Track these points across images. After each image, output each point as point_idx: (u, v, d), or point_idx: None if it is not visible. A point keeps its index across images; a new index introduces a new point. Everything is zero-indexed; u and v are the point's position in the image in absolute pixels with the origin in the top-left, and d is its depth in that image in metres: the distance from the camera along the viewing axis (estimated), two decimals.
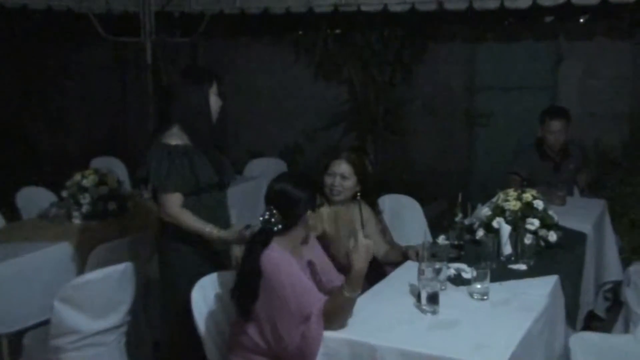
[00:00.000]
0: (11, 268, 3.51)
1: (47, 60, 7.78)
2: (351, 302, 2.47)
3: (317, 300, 2.46)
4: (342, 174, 3.37)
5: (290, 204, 2.63)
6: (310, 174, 2.91)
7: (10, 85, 7.50)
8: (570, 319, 3.28)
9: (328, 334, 2.43)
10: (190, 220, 2.99)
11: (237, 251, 3.07)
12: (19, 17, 5.92)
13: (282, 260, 2.55)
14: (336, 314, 2.45)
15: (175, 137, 3.04)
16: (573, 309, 3.33)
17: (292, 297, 2.46)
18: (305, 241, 2.78)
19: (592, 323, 4.13)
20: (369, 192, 3.52)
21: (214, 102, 3.13)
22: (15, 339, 3.46)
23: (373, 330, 2.47)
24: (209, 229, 2.98)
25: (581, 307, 3.64)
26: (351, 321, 2.51)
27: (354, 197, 3.42)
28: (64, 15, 6.03)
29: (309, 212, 2.66)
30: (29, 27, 6.72)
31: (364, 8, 5.73)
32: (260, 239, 2.62)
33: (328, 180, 3.38)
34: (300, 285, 2.50)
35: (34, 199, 4.70)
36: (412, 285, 2.83)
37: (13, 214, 4.74)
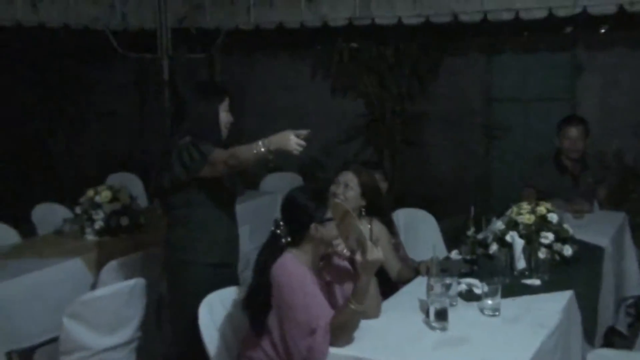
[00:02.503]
0: (23, 284, 3.51)
1: (66, 77, 7.87)
2: (357, 316, 2.44)
3: (325, 314, 2.43)
4: (346, 183, 3.35)
5: (295, 212, 2.64)
6: (324, 188, 2.86)
7: (31, 102, 7.60)
8: (588, 336, 3.19)
9: (334, 351, 2.39)
10: (241, 149, 2.86)
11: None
12: (37, 35, 5.99)
13: (295, 270, 2.53)
14: (343, 328, 2.42)
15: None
16: (591, 325, 3.25)
17: (301, 308, 2.44)
18: (324, 259, 2.73)
19: (614, 339, 4.03)
20: (379, 208, 3.47)
21: (224, 118, 3.14)
22: (27, 355, 3.45)
23: (380, 347, 2.42)
24: (260, 143, 2.80)
25: (600, 323, 3.54)
26: (358, 337, 2.47)
27: (361, 213, 3.38)
28: (80, 32, 6.10)
29: (314, 225, 2.61)
30: (47, 45, 6.80)
31: (378, 21, 5.72)
32: (269, 251, 2.64)
33: (332, 188, 3.35)
34: (310, 297, 2.47)
35: (49, 215, 4.73)
36: (422, 301, 2.78)
37: (30, 230, 4.79)
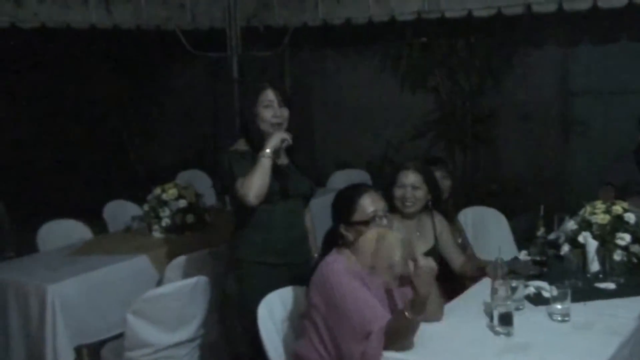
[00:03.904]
0: (91, 280, 3.61)
1: (140, 77, 8.06)
2: (414, 325, 2.34)
3: (379, 318, 2.36)
4: (413, 185, 3.27)
5: (332, 211, 2.65)
6: (361, 188, 2.74)
7: (106, 102, 7.82)
8: None
9: (390, 355, 2.31)
10: (253, 174, 2.92)
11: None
12: (111, 36, 6.16)
13: (345, 274, 2.48)
14: (398, 335, 2.33)
15: (240, 145, 3.14)
16: None
17: (354, 312, 2.38)
18: None
19: None
20: (440, 202, 3.40)
21: (265, 114, 3.08)
22: (95, 350, 3.54)
23: (440, 352, 2.34)
24: (263, 154, 2.94)
25: None
26: (418, 341, 2.38)
27: (426, 207, 3.31)
28: (152, 33, 6.23)
29: (342, 226, 2.57)
30: (120, 46, 6.98)
31: (447, 15, 5.59)
32: (323, 249, 2.68)
33: (398, 192, 3.27)
34: (362, 301, 2.41)
35: (120, 212, 4.84)
36: (487, 304, 2.66)
37: (103, 226, 4.92)
